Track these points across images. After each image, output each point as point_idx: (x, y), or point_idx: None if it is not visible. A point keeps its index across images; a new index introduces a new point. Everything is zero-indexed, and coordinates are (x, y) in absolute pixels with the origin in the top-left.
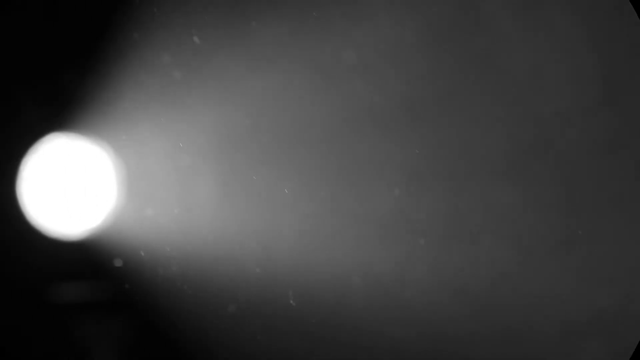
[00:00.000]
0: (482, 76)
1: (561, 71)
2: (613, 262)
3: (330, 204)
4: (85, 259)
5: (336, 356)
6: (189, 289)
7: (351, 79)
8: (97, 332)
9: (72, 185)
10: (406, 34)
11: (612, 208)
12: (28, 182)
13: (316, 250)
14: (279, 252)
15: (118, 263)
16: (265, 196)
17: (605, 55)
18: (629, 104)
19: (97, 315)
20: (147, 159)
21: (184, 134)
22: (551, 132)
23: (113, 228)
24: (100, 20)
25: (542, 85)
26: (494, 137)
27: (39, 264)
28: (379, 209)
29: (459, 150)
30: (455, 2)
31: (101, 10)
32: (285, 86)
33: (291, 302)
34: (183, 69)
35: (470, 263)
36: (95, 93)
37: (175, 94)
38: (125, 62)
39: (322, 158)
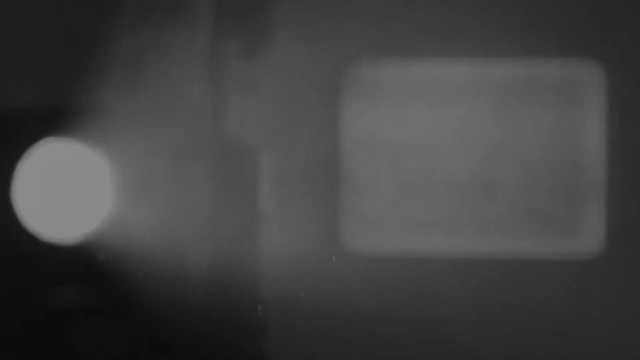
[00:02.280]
0: None
1: None
2: None
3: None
4: (80, 263)
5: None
6: (187, 292)
7: None
8: (92, 337)
9: (68, 190)
10: None
11: None
12: (23, 186)
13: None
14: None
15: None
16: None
17: None
18: None
19: (93, 320)
20: (143, 163)
21: (180, 138)
22: None
23: (109, 232)
24: (95, 22)
25: None
26: None
27: (34, 269)
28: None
29: None
30: None
31: (98, 11)
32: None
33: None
34: (180, 70)
35: None
36: (91, 97)
37: (171, 97)
38: (121, 65)
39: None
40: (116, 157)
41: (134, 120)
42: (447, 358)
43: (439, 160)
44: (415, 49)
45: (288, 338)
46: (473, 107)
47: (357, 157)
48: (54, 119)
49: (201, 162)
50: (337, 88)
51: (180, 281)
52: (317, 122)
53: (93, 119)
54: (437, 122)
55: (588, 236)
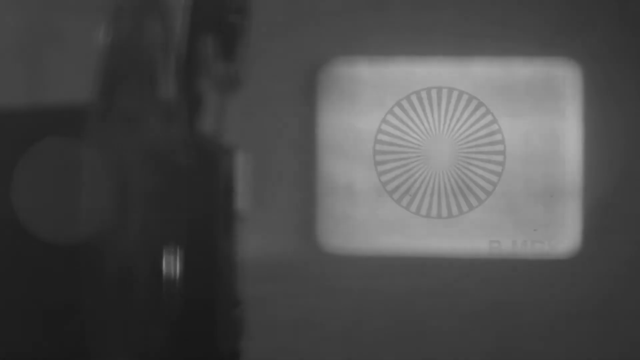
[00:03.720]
0: None
1: None
2: None
3: None
4: (80, 263)
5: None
6: (164, 292)
7: None
8: (93, 336)
9: (68, 191)
10: None
11: None
12: (23, 187)
13: None
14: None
15: None
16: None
17: None
18: None
19: (93, 320)
20: (120, 161)
21: (157, 137)
22: None
23: (108, 233)
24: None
25: None
26: None
27: (34, 269)
28: None
29: None
30: None
31: (98, 13)
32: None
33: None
34: (157, 68)
35: None
36: (91, 97)
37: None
38: (99, 64)
39: None
40: (97, 155)
41: (110, 119)
42: (427, 354)
43: (416, 160)
44: (392, 49)
45: (265, 336)
46: (451, 106)
47: (334, 156)
48: (56, 119)
49: (178, 161)
50: (315, 87)
51: (157, 281)
52: (295, 122)
53: (85, 118)
54: (414, 121)
55: (565, 236)
